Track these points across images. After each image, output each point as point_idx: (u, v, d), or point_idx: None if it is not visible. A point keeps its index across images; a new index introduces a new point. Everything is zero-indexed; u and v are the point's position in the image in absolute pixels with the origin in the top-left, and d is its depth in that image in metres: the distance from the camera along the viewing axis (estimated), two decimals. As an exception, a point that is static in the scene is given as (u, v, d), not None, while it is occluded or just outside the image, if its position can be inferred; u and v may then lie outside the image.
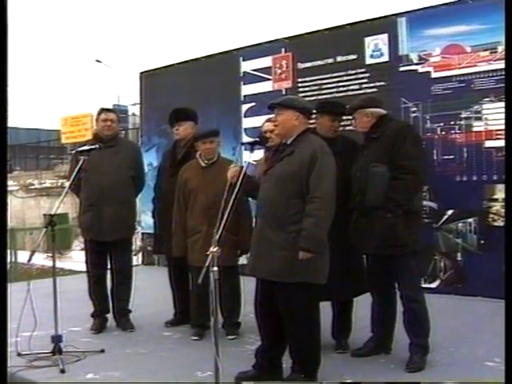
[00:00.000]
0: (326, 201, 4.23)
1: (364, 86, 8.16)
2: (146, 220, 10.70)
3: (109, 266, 6.40)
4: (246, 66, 9.62)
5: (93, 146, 5.65)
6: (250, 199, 5.66)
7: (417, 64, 7.69)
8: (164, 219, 6.18)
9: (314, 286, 4.32)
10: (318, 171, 4.24)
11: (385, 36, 8.00)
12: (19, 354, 5.23)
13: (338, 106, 5.42)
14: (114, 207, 6.12)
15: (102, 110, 6.37)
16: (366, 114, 4.96)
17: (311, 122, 4.79)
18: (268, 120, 5.35)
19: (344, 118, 5.43)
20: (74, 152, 5.80)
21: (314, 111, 5.15)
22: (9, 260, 12.58)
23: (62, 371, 4.91)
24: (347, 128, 6.26)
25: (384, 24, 8.05)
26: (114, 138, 6.30)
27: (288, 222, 4.28)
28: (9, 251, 12.59)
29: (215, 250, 3.78)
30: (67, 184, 5.54)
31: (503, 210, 6.58)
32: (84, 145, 5.82)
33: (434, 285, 7.39)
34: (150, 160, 10.90)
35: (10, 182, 27.30)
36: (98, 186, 6.07)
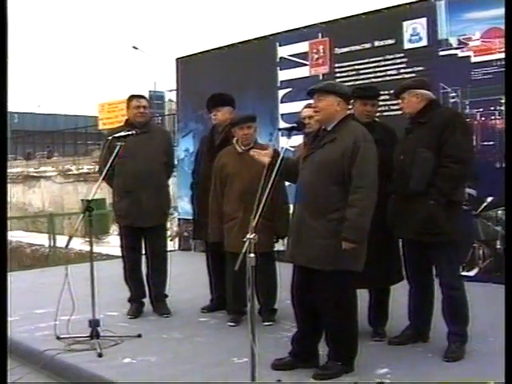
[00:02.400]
0: (369, 190, 4.20)
1: (402, 71, 8.04)
2: (182, 206, 10.76)
3: (144, 252, 6.43)
4: (283, 52, 9.55)
5: (129, 132, 5.65)
6: (286, 185, 5.65)
7: (456, 48, 7.56)
8: (202, 205, 6.17)
9: (353, 274, 4.31)
10: (360, 160, 4.21)
11: (423, 20, 7.87)
12: (58, 338, 5.33)
13: (368, 90, 5.34)
14: (150, 193, 6.14)
15: (134, 97, 6.35)
16: (416, 95, 4.86)
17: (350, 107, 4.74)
18: (307, 106, 5.31)
19: (382, 103, 5.35)
20: (110, 138, 5.78)
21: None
22: (47, 244, 12.80)
23: (100, 355, 4.96)
24: (385, 114, 6.17)
25: (423, 8, 7.92)
26: (147, 124, 6.31)
27: (329, 210, 4.26)
28: (47, 236, 12.81)
29: (252, 236, 3.76)
30: (104, 170, 5.53)
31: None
32: (121, 131, 5.82)
33: (472, 273, 7.30)
34: (187, 146, 10.94)
35: (48, 168, 27.70)
36: (134, 172, 6.08)
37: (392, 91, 5.34)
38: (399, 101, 5.08)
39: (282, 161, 4.22)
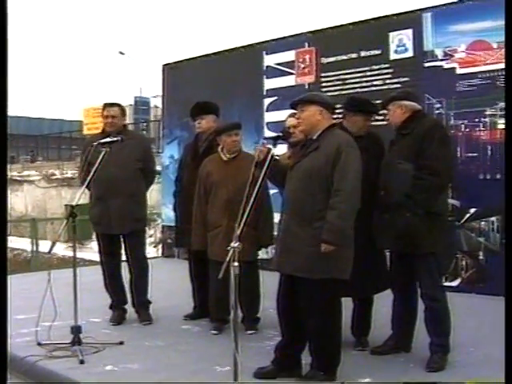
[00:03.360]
0: (349, 194, 4.21)
1: (388, 81, 8.09)
2: (166, 212, 10.73)
3: (124, 258, 6.41)
4: (269, 60, 9.57)
5: (115, 139, 5.63)
6: (270, 194, 5.66)
7: (442, 60, 7.61)
8: (185, 212, 6.17)
9: (338, 282, 4.32)
10: (342, 165, 4.23)
11: (409, 31, 7.92)
12: (39, 344, 5.29)
13: (372, 105, 5.36)
14: (120, 200, 6.10)
15: (105, 106, 6.32)
16: (400, 107, 4.89)
17: (336, 117, 4.76)
18: (291, 115, 5.32)
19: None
20: (94, 144, 5.73)
21: (348, 108, 5.18)
22: (30, 249, 12.70)
23: (82, 362, 4.93)
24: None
25: (409, 19, 7.97)
26: (121, 132, 6.14)
27: (315, 218, 4.27)
28: (30, 241, 12.70)
29: (236, 245, 3.76)
30: (88, 176, 5.50)
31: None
32: (100, 138, 5.78)
33: (455, 283, 7.32)
34: (172, 153, 10.92)
35: (32, 172, 27.57)
36: (105, 179, 5.99)
37: (378, 101, 5.37)
38: (385, 111, 5.11)
39: (272, 158, 4.24)
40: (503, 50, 6.92)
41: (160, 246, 11.98)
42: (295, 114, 4.85)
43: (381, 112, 5.32)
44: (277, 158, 4.51)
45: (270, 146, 4.40)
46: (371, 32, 8.37)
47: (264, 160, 4.30)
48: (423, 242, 4.63)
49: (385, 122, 5.52)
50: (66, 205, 19.65)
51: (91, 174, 5.45)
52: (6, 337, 3.89)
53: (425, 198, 4.62)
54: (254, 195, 3.97)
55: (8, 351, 5.24)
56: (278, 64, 9.43)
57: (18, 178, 27.56)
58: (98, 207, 6.22)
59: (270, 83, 9.56)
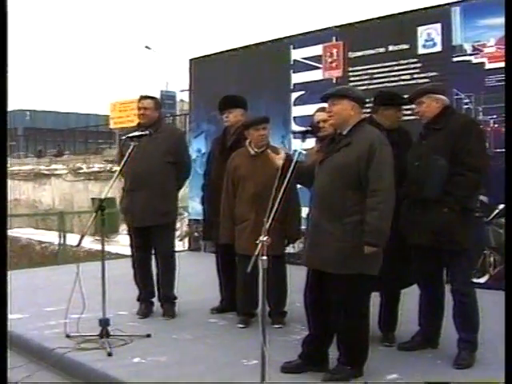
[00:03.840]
0: (387, 193, 4.20)
1: (416, 76, 8.04)
2: (193, 206, 10.77)
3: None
4: (297, 54, 9.55)
5: (143, 133, 5.67)
6: (298, 188, 5.65)
7: (470, 55, 7.56)
8: (213, 206, 6.18)
9: (368, 278, 4.31)
10: (377, 163, 4.20)
11: (438, 25, 7.87)
12: (68, 336, 5.35)
13: (402, 98, 5.33)
14: (145, 193, 6.11)
15: (140, 98, 6.38)
16: (436, 100, 4.86)
17: (366, 111, 4.74)
18: (320, 109, 5.31)
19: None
20: (123, 138, 5.80)
21: (379, 102, 5.17)
22: (57, 242, 12.83)
23: (109, 354, 4.97)
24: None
25: (437, 13, 7.92)
26: (154, 124, 6.20)
27: (345, 214, 4.25)
28: (58, 234, 12.84)
29: (265, 238, 3.76)
30: (115, 168, 5.56)
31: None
32: (134, 131, 5.85)
33: (483, 280, 7.28)
34: (199, 146, 10.95)
35: (59, 166, 27.79)
36: (132, 172, 6.06)
37: (405, 96, 5.34)
38: (412, 106, 5.07)
39: (296, 164, 4.23)
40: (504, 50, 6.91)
41: (186, 240, 12.03)
42: (324, 108, 4.84)
43: (407, 107, 5.29)
44: (301, 156, 4.52)
45: (287, 151, 4.41)
46: (399, 26, 8.32)
47: (286, 166, 4.31)
48: (459, 238, 4.62)
49: (412, 117, 5.48)
50: (92, 198, 19.81)
51: (119, 167, 5.50)
52: (5, 334, 3.90)
53: (465, 195, 4.62)
54: (282, 189, 3.98)
55: (37, 342, 5.37)
56: (306, 58, 9.41)
57: (46, 172, 27.82)
58: (126, 199, 6.29)
59: (297, 77, 9.54)
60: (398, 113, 5.21)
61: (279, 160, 4.58)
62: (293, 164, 4.22)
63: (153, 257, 6.46)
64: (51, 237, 16.21)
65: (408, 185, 4.81)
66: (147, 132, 5.69)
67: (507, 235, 3.77)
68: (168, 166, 6.24)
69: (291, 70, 9.62)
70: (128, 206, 6.26)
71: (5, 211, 4.16)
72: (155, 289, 6.40)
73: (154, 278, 6.42)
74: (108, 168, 23.37)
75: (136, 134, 5.66)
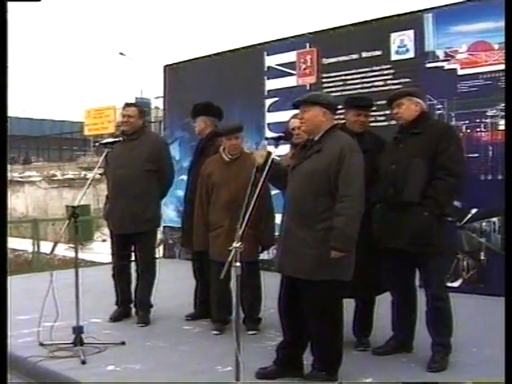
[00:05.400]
0: (355, 199, 4.21)
1: (389, 82, 8.08)
2: (167, 213, 10.71)
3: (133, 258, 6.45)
4: (271, 61, 9.58)
5: (116, 139, 5.69)
6: (272, 195, 5.66)
7: (443, 61, 7.62)
8: (189, 213, 6.16)
9: (340, 283, 4.32)
10: (346, 169, 4.22)
11: (411, 32, 7.93)
12: (41, 344, 5.30)
13: (362, 100, 5.38)
14: (127, 201, 6.11)
15: (125, 105, 6.41)
16: (416, 103, 4.90)
17: (338, 117, 4.76)
18: (294, 116, 5.32)
19: (372, 113, 5.38)
20: (98, 144, 5.81)
21: (341, 106, 5.15)
22: (31, 250, 12.71)
23: (83, 362, 4.94)
24: (371, 124, 6.19)
25: (410, 20, 7.98)
26: (136, 131, 6.23)
27: (316, 220, 4.27)
28: (31, 241, 12.72)
29: (238, 245, 3.76)
30: (90, 175, 5.56)
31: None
32: (109, 137, 5.87)
33: (456, 284, 7.32)
34: (173, 153, 10.89)
35: (33, 173, 27.56)
36: (113, 179, 6.12)
37: (378, 102, 5.37)
38: (386, 112, 5.11)
39: (273, 162, 4.24)
40: (504, 51, 6.98)
41: (161, 247, 11.98)
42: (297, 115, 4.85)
43: (382, 112, 5.33)
44: (277, 159, 4.51)
45: (270, 149, 4.41)
46: (372, 33, 8.37)
47: (264, 164, 4.30)
48: (436, 241, 4.66)
49: (384, 123, 5.51)
50: (67, 206, 19.67)
51: (93, 173, 5.50)
52: (6, 338, 3.89)
53: (445, 199, 4.68)
54: (255, 196, 3.98)
55: (9, 351, 5.30)
56: (279, 65, 9.44)
57: (20, 179, 27.56)
58: (107, 206, 6.37)
59: (271, 84, 9.56)
60: (358, 115, 5.20)
61: (260, 158, 4.51)
62: (268, 164, 4.21)
63: (132, 264, 6.44)
64: (25, 245, 16.05)
65: (383, 188, 4.83)
66: (119, 139, 5.71)
67: (507, 235, 3.79)
68: (149, 174, 6.21)
69: (265, 77, 9.63)
70: (109, 212, 6.31)
71: (4, 217, 4.15)
72: (132, 296, 6.38)
73: (133, 285, 6.40)
74: (82, 175, 23.26)
75: (110, 140, 5.68)
